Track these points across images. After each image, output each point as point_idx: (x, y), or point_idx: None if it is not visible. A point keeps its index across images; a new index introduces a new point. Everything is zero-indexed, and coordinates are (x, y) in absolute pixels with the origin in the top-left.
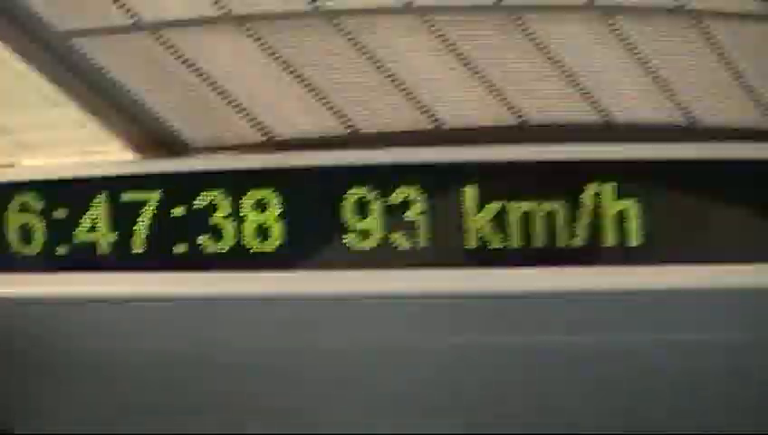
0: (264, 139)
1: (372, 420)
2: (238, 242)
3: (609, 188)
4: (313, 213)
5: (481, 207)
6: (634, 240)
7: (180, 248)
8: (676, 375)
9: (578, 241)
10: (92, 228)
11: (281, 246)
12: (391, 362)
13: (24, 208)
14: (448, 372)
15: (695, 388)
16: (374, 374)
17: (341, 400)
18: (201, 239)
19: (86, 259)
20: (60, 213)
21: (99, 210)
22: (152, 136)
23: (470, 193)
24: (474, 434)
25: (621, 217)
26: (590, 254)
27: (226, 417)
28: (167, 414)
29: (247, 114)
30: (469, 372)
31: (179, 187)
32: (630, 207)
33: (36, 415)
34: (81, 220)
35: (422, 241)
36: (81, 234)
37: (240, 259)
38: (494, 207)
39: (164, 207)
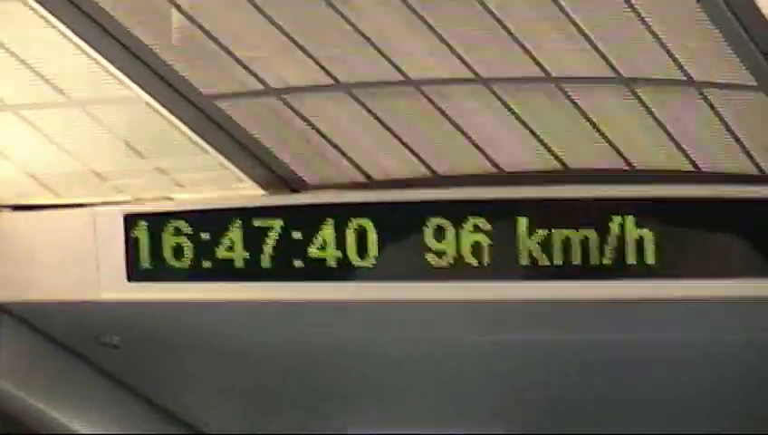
0: (365, 179)
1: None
2: (343, 259)
3: (630, 220)
4: (401, 237)
5: (531, 232)
6: (651, 260)
7: (298, 263)
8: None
9: (606, 260)
10: (230, 248)
11: (376, 261)
12: (457, 359)
13: (177, 232)
14: (501, 367)
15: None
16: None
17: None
18: (314, 256)
19: (225, 272)
20: (205, 236)
21: (235, 234)
22: (277, 176)
23: (522, 222)
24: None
25: (641, 242)
26: (616, 270)
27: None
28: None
29: (351, 160)
30: (519, 370)
31: (298, 216)
32: (647, 234)
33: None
34: (222, 241)
35: (486, 259)
36: (221, 252)
37: (345, 272)
38: (541, 233)
39: (286, 232)
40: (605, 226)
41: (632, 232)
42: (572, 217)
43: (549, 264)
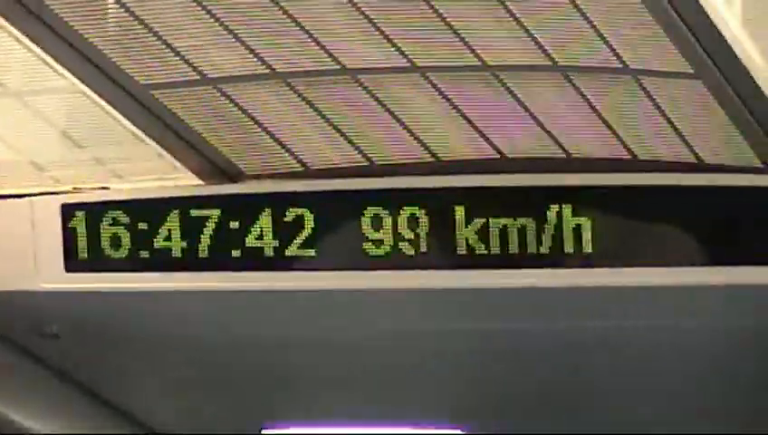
0: (302, 168)
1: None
2: (281, 248)
3: (568, 208)
4: (339, 226)
5: (468, 221)
6: (589, 248)
7: (236, 253)
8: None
9: (543, 249)
10: (168, 238)
11: (314, 250)
12: (398, 348)
13: (114, 222)
14: (438, 356)
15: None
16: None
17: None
18: (252, 245)
19: (163, 262)
20: (142, 225)
21: (173, 224)
22: (215, 166)
23: (459, 211)
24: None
25: (579, 231)
26: (554, 258)
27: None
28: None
29: (289, 149)
30: (449, 359)
31: (235, 205)
32: (584, 222)
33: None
34: (159, 231)
35: (423, 248)
36: (159, 242)
37: (283, 262)
38: (478, 221)
39: (223, 221)
40: (543, 214)
41: (569, 221)
42: (510, 206)
43: (486, 252)
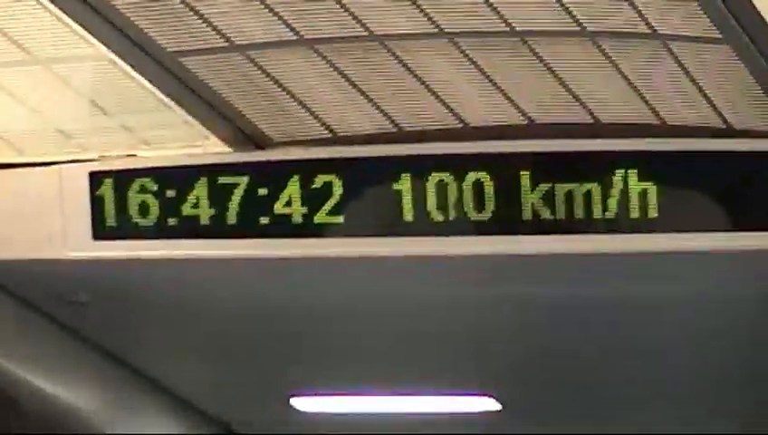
0: (330, 135)
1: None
2: (309, 215)
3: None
4: (367, 193)
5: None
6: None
7: (264, 220)
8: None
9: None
10: (195, 205)
11: (342, 217)
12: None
13: (142, 190)
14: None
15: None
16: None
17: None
18: (280, 212)
19: (191, 229)
20: (170, 193)
21: (200, 191)
22: (243, 133)
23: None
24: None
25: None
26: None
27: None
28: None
29: (317, 116)
30: (487, 328)
31: (264, 173)
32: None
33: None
34: (187, 198)
35: (453, 214)
36: (187, 209)
37: (312, 229)
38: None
39: (251, 188)
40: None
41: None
42: (535, 171)
43: (519, 217)
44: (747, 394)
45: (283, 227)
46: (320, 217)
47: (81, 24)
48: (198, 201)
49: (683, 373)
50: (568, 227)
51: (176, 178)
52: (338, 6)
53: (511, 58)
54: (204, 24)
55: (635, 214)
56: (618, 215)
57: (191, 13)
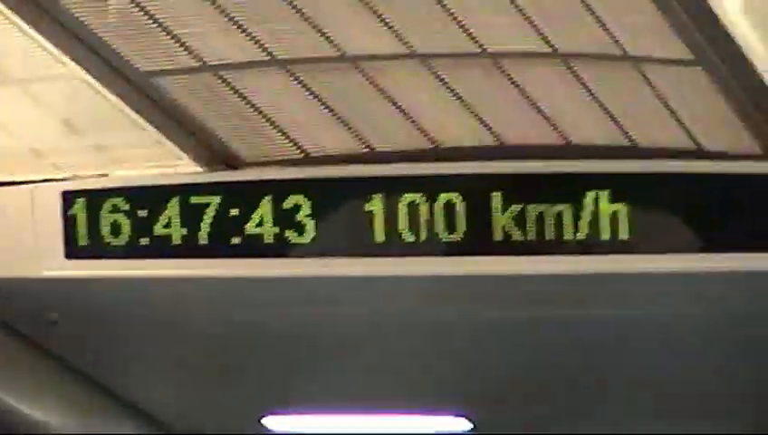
0: (302, 155)
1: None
2: (281, 235)
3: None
4: (339, 213)
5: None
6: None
7: (236, 240)
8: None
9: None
10: (167, 225)
11: (314, 237)
12: (398, 336)
13: (114, 209)
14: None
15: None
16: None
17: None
18: (251, 232)
19: (163, 248)
20: (142, 212)
21: (172, 210)
22: (215, 153)
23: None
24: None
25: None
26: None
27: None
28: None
29: (289, 136)
30: (462, 348)
31: (235, 192)
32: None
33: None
34: (159, 218)
35: (423, 235)
36: (159, 229)
37: (283, 249)
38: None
39: (223, 208)
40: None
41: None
42: (506, 192)
43: (489, 238)
44: (720, 413)
45: (255, 247)
46: (291, 238)
47: (54, 44)
48: (170, 221)
49: (657, 390)
50: (539, 248)
51: (148, 198)
52: (310, 27)
53: (483, 79)
54: (176, 44)
55: (606, 235)
56: (589, 236)
57: (164, 33)
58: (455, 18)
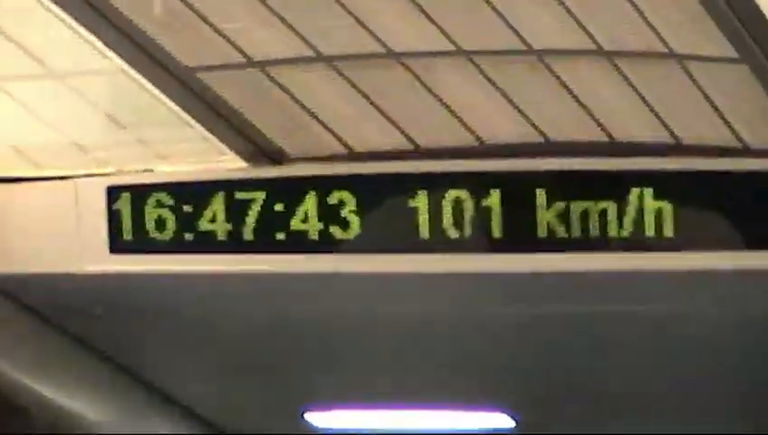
0: (347, 151)
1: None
2: (325, 231)
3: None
4: (383, 209)
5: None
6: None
7: (281, 235)
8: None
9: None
10: (212, 220)
11: (358, 233)
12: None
13: (158, 204)
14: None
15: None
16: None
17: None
18: (296, 228)
19: (207, 244)
20: (187, 208)
21: (217, 206)
22: (259, 149)
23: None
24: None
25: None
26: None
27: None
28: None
29: (333, 132)
30: (502, 344)
31: (280, 188)
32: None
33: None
34: (204, 213)
35: (468, 231)
36: (203, 224)
37: (328, 245)
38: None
39: (268, 204)
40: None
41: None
42: (552, 190)
43: (534, 235)
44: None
45: (300, 243)
46: (336, 234)
47: (98, 38)
48: (215, 216)
49: (698, 386)
50: (583, 245)
51: (192, 193)
52: (356, 24)
53: (528, 76)
54: (222, 40)
55: (650, 232)
56: (633, 233)
57: (209, 28)
58: (500, 15)
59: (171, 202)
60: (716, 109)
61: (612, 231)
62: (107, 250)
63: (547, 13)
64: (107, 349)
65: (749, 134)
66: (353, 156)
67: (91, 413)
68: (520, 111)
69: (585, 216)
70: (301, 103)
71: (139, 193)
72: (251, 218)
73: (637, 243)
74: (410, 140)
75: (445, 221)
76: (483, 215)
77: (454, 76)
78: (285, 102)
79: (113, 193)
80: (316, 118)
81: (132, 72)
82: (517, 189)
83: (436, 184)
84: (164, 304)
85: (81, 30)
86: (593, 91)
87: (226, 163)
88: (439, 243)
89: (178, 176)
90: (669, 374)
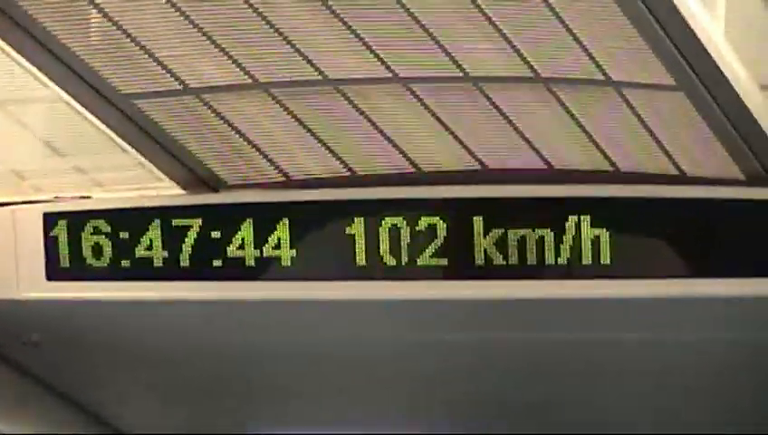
0: (284, 178)
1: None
2: (262, 258)
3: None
4: (319, 236)
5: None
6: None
7: (217, 262)
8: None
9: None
10: (149, 247)
11: (294, 260)
12: (377, 358)
13: (96, 231)
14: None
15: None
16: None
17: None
18: (232, 255)
19: (144, 271)
20: (124, 235)
21: (154, 233)
22: (196, 175)
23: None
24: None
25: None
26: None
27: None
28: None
29: (271, 160)
30: (445, 370)
31: (217, 215)
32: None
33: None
34: (141, 240)
35: (404, 258)
36: (140, 251)
37: (264, 271)
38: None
39: (205, 231)
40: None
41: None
42: (488, 217)
43: (471, 263)
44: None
45: (236, 270)
46: (273, 260)
47: (36, 66)
48: (152, 243)
49: (639, 413)
50: (521, 272)
51: (129, 220)
52: (292, 51)
53: (465, 103)
54: (158, 68)
55: (587, 260)
56: (570, 261)
57: (146, 56)
58: (437, 42)
59: (108, 229)
60: (654, 136)
61: (549, 259)
62: (44, 277)
63: (485, 40)
64: (45, 375)
65: (686, 162)
66: (290, 183)
67: None
68: (457, 138)
69: (522, 243)
70: (237, 130)
71: (76, 220)
72: (187, 245)
73: (574, 270)
74: (347, 167)
75: (381, 248)
76: (420, 242)
77: (390, 103)
78: (222, 130)
79: (50, 220)
80: (253, 145)
81: (70, 99)
82: (454, 217)
83: (372, 211)
84: (102, 330)
85: (20, 58)
86: (531, 119)
87: (163, 190)
88: (376, 269)
89: (115, 203)
90: (616, 401)
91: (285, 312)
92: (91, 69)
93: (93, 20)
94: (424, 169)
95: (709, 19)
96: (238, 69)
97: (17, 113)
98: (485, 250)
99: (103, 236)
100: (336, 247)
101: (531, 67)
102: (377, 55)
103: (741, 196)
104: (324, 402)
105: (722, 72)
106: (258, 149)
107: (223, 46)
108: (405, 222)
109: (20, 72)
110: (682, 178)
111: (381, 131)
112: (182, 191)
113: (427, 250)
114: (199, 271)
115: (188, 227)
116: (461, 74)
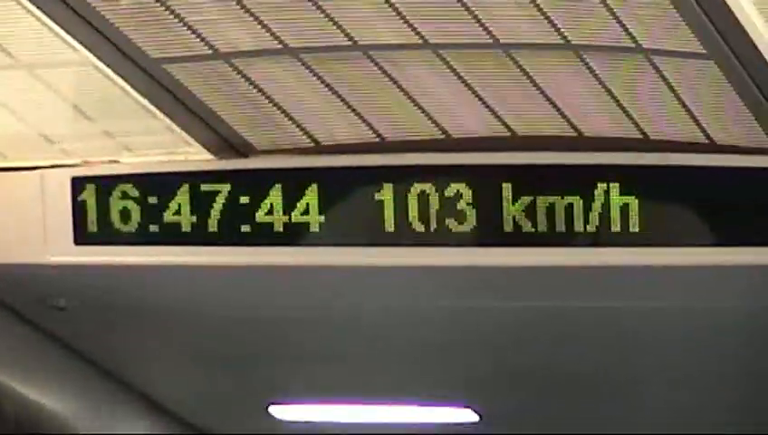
0: (313, 144)
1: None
2: (291, 224)
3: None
4: (349, 202)
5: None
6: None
7: (246, 228)
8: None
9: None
10: (177, 212)
11: (323, 225)
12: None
13: (124, 196)
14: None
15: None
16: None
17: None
18: (261, 221)
19: (172, 236)
20: (152, 199)
21: (182, 198)
22: (225, 140)
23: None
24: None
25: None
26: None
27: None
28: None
29: (300, 125)
30: (470, 339)
31: (245, 180)
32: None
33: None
34: (169, 205)
35: (434, 225)
36: (168, 216)
37: (293, 237)
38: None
39: (233, 196)
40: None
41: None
42: (517, 184)
43: (500, 229)
44: (736, 402)
45: (264, 236)
46: (301, 226)
47: (65, 29)
48: (180, 208)
49: (667, 384)
50: (549, 240)
51: (158, 185)
52: (323, 16)
53: (495, 70)
54: (188, 32)
55: (616, 228)
56: (599, 229)
57: (176, 20)
58: (467, 8)
59: (136, 194)
60: (683, 104)
61: (578, 226)
62: (72, 241)
63: (514, 6)
64: (71, 341)
65: (715, 130)
66: (319, 149)
67: (59, 406)
68: (487, 105)
69: (551, 210)
70: (267, 96)
71: (105, 184)
72: (215, 211)
73: (603, 238)
74: (376, 133)
75: (410, 215)
76: (448, 208)
77: (420, 69)
78: (251, 95)
79: (78, 184)
80: (282, 110)
81: (99, 63)
82: (483, 183)
83: (401, 177)
84: (129, 296)
85: (48, 21)
86: (560, 86)
87: (192, 155)
88: (404, 236)
89: (144, 167)
90: (643, 374)
91: (313, 278)
92: (121, 33)
93: None
94: (453, 135)
95: None
96: (268, 34)
97: (45, 77)
98: (514, 217)
99: (131, 201)
100: (365, 213)
101: (561, 34)
102: (406, 21)
103: None
104: (350, 370)
105: (752, 40)
106: (288, 115)
107: (253, 11)
108: (434, 188)
109: (49, 36)
110: (711, 147)
111: (411, 97)
112: (211, 156)
113: (455, 217)
114: (228, 236)
115: (217, 193)
116: (491, 41)
